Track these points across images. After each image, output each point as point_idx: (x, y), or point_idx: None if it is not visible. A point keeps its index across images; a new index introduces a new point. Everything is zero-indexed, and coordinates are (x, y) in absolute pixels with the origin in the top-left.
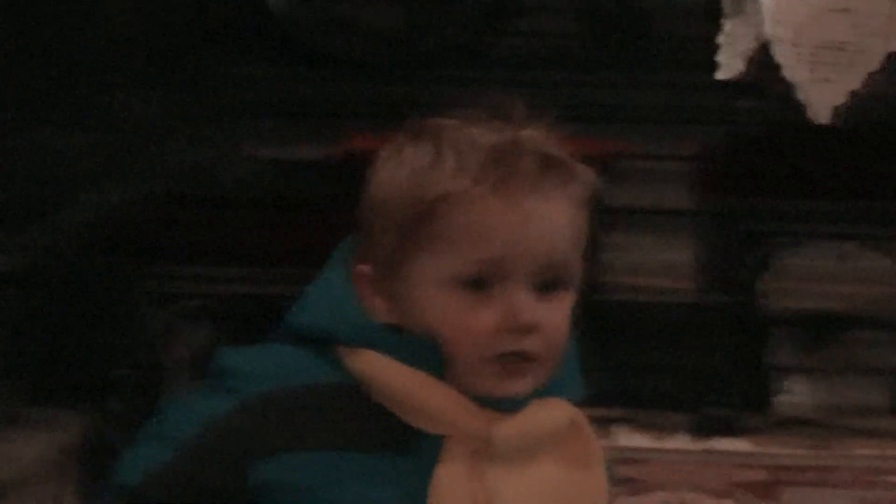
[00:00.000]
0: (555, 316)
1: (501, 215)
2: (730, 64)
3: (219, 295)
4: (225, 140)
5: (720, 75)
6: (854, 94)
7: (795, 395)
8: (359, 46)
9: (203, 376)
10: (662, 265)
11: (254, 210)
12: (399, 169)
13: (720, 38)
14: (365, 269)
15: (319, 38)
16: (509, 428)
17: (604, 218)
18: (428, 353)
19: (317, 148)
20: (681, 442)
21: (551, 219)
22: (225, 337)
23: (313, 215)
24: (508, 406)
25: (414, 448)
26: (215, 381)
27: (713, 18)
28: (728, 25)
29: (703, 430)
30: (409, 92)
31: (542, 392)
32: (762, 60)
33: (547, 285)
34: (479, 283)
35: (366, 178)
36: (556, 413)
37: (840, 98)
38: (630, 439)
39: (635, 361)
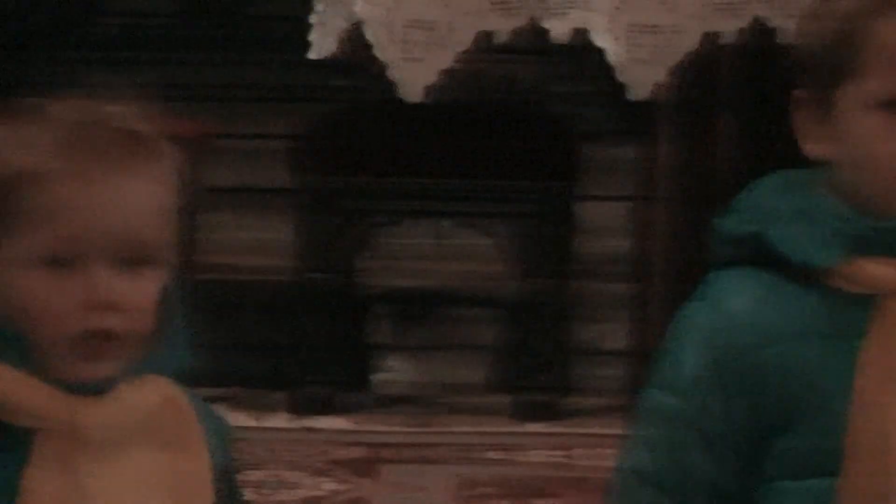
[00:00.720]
0: (138, 294)
1: (78, 192)
2: (323, 43)
3: None
4: None
5: (313, 55)
6: (446, 72)
7: (395, 372)
8: None
9: None
10: (262, 244)
11: None
12: None
13: (312, 18)
14: None
15: None
16: (96, 412)
17: (202, 197)
18: (9, 342)
19: None
20: (279, 420)
21: (133, 196)
22: None
23: None
24: (97, 390)
25: (4, 445)
26: None
27: None
28: (320, 5)
29: (302, 408)
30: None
31: (138, 371)
32: (355, 39)
33: (131, 263)
34: (58, 262)
35: None
36: (147, 393)
37: (431, 77)
38: (229, 418)
39: (234, 340)
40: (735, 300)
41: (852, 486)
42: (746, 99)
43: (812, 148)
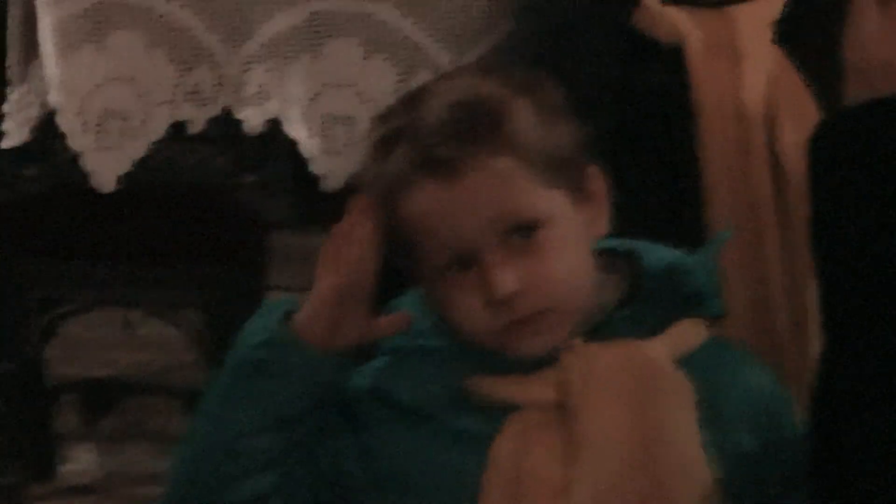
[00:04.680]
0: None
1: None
2: (16, 131)
3: None
4: None
5: (6, 143)
6: (140, 161)
7: (80, 462)
8: None
9: None
10: None
11: None
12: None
13: (6, 107)
14: None
15: None
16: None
17: None
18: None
19: None
20: None
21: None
22: None
23: None
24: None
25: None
26: None
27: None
28: (14, 94)
29: None
30: None
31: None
32: (49, 129)
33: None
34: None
35: None
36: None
37: (125, 166)
38: None
39: None
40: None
41: None
42: None
43: None
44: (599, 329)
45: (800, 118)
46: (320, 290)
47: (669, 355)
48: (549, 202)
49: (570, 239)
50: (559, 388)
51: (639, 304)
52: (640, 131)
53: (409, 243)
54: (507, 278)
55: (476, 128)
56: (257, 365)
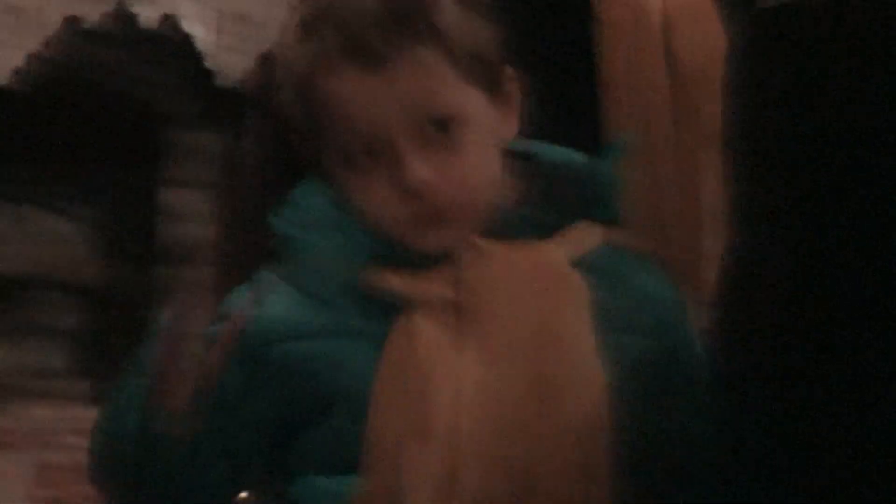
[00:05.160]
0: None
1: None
2: None
3: None
4: None
5: None
6: (32, 56)
7: None
8: None
9: None
10: None
11: None
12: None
13: None
14: None
15: None
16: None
17: None
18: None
19: None
20: None
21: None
22: None
23: None
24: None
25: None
26: None
27: None
28: None
29: None
30: None
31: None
32: None
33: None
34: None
35: None
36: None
37: (18, 60)
38: None
39: None
40: (271, 296)
41: (368, 485)
42: None
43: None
44: (497, 229)
45: (697, 21)
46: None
47: (566, 257)
48: (468, 98)
49: (484, 137)
50: (456, 286)
51: (535, 206)
52: (543, 35)
53: (320, 128)
54: (421, 166)
55: (405, 17)
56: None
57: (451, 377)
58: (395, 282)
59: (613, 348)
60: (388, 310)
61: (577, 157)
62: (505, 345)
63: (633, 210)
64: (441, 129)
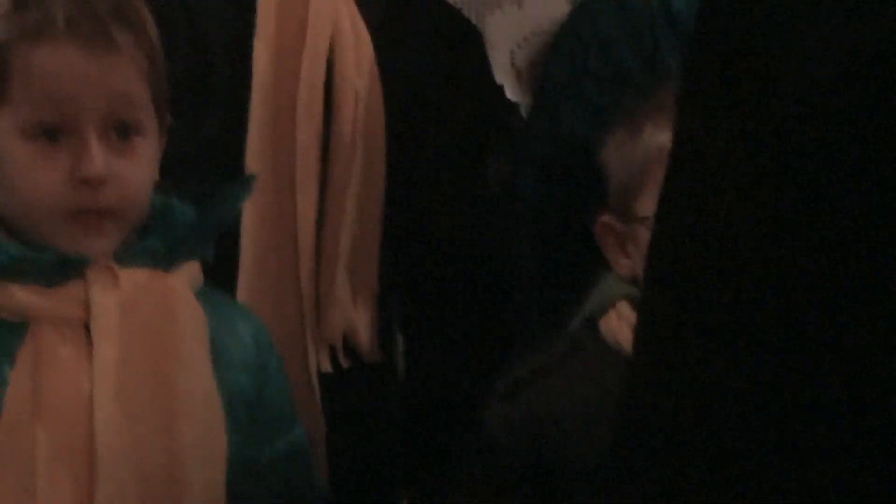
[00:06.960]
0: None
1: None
2: None
3: None
4: None
5: None
6: None
7: None
8: None
9: None
10: None
11: None
12: None
13: None
14: None
15: None
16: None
17: None
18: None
19: None
20: None
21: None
22: None
23: None
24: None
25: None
26: None
27: None
28: None
29: None
30: None
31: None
32: None
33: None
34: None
35: None
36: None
37: None
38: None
39: None
40: None
41: None
42: None
43: None
44: (121, 255)
45: (358, 54)
46: None
47: (187, 288)
48: (150, 117)
49: (152, 157)
50: (83, 306)
51: (148, 238)
52: (205, 71)
53: (5, 96)
54: (102, 160)
55: (133, 15)
56: None
57: (82, 398)
58: (21, 296)
59: (222, 383)
60: (14, 327)
61: (176, 195)
62: (129, 369)
63: (262, 253)
64: (124, 132)
